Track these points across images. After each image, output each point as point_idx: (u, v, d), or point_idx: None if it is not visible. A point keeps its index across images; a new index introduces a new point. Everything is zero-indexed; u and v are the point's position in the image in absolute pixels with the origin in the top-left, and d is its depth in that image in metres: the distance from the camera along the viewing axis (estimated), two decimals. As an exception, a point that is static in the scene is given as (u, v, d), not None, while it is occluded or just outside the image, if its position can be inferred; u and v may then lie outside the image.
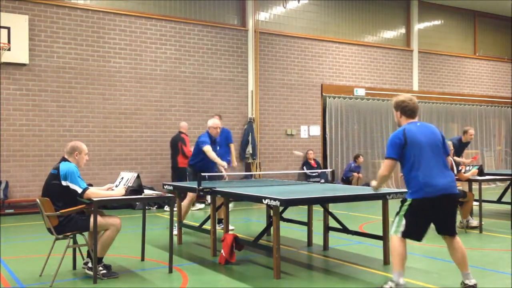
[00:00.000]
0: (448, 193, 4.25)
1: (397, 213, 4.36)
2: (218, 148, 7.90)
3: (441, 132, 4.56)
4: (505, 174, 9.05)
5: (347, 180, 13.34)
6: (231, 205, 11.10)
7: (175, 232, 7.37)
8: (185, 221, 7.34)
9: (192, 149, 8.63)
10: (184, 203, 7.46)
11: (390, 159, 4.31)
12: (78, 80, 10.94)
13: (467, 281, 4.37)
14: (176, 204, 6.95)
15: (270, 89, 13.24)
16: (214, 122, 7.78)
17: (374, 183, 4.62)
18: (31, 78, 10.47)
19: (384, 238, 5.63)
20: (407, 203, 4.28)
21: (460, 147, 9.59)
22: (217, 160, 7.58)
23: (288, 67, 13.50)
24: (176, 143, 10.68)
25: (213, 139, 7.75)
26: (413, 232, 4.30)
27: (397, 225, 4.31)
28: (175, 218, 7.01)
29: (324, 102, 14.06)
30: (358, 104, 14.54)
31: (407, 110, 4.44)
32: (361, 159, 13.74)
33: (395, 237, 4.31)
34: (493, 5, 16.50)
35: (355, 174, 13.36)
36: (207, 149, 7.49)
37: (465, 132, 9.56)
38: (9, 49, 10.06)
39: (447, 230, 4.38)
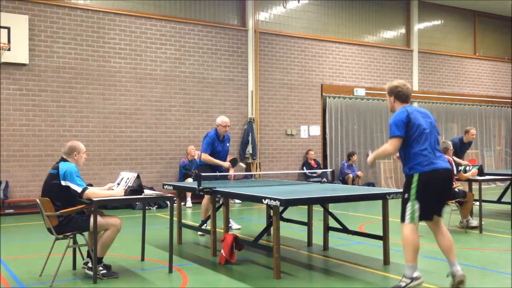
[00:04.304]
0: (447, 168, 4.42)
1: (407, 200, 4.35)
2: (228, 144, 7.88)
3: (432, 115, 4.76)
4: (505, 174, 9.04)
5: (343, 181, 13.33)
6: (238, 201, 11.16)
7: (200, 232, 7.40)
8: (184, 221, 7.34)
9: None
10: (204, 202, 7.49)
11: (396, 137, 4.36)
12: (78, 80, 10.94)
13: (454, 269, 4.37)
14: (176, 204, 6.96)
15: (270, 89, 13.24)
16: (222, 120, 7.69)
17: (370, 157, 4.70)
18: (31, 78, 10.47)
19: (384, 238, 5.63)
20: (414, 183, 4.31)
21: (462, 147, 9.54)
22: (220, 163, 7.60)
23: (288, 67, 13.50)
24: None
25: (220, 138, 7.74)
26: (428, 209, 4.35)
27: (411, 211, 4.32)
28: (175, 219, 7.01)
29: (324, 102, 14.06)
30: (358, 104, 14.54)
31: (402, 95, 4.55)
32: (355, 157, 13.70)
33: (407, 226, 4.31)
34: (493, 5, 16.50)
35: (350, 175, 13.33)
36: (206, 158, 7.58)
37: (466, 132, 9.50)
38: (9, 49, 10.06)
39: (440, 210, 4.49)
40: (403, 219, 4.37)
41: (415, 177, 4.31)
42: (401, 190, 5.01)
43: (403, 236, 4.33)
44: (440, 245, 4.49)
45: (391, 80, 15.03)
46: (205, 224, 7.14)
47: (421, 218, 4.35)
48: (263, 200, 4.96)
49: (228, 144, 7.90)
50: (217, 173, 7.50)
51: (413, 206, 4.31)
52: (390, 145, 4.39)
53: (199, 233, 7.46)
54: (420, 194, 4.30)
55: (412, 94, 15.28)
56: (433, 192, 4.33)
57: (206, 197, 7.38)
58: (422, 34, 16.00)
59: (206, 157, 7.60)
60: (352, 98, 14.43)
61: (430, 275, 5.11)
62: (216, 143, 7.67)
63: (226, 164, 7.63)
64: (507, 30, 17.68)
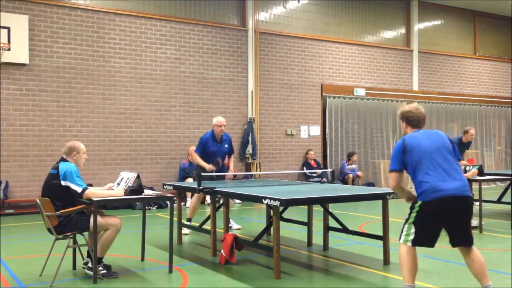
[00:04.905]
0: (459, 195, 4.07)
1: (406, 221, 4.15)
2: (226, 146, 7.86)
3: (449, 137, 4.40)
4: (505, 174, 9.04)
5: (343, 181, 13.35)
6: (238, 201, 11.17)
7: (185, 231, 7.40)
8: (184, 221, 7.33)
9: None
10: (193, 199, 7.49)
11: (392, 171, 4.21)
12: (78, 80, 10.94)
13: None
14: (176, 204, 6.96)
15: (270, 89, 13.24)
16: (218, 120, 7.72)
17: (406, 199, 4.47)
18: (31, 78, 10.47)
19: (384, 238, 5.62)
20: (416, 208, 4.09)
21: (461, 147, 9.58)
22: (203, 164, 7.54)
23: (288, 67, 13.50)
24: None
25: (217, 138, 7.74)
26: (424, 238, 4.11)
27: (406, 233, 4.12)
28: (175, 219, 7.01)
29: (324, 102, 14.06)
30: (358, 104, 14.54)
31: (413, 120, 4.34)
32: (355, 157, 13.70)
33: (403, 246, 4.11)
34: (493, 5, 16.50)
35: (350, 175, 13.34)
36: (192, 156, 7.66)
37: (465, 132, 9.53)
38: (9, 49, 10.06)
39: (462, 240, 4.12)
40: (399, 237, 4.20)
41: (418, 203, 4.08)
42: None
43: (399, 255, 4.18)
44: (470, 270, 4.15)
45: (391, 80, 15.16)
46: (189, 223, 7.25)
47: (415, 243, 4.09)
48: (263, 200, 4.96)
49: (226, 146, 7.85)
50: (213, 174, 7.50)
51: (409, 229, 4.12)
52: (391, 180, 4.28)
53: (183, 231, 7.35)
54: (418, 221, 4.08)
55: (412, 94, 15.58)
56: (432, 222, 4.07)
57: (196, 196, 7.39)
58: (422, 34, 16.00)
59: (193, 155, 7.69)
60: (352, 98, 14.43)
61: (430, 275, 5.11)
62: (209, 144, 7.66)
63: (207, 166, 7.52)
64: (507, 30, 17.68)
